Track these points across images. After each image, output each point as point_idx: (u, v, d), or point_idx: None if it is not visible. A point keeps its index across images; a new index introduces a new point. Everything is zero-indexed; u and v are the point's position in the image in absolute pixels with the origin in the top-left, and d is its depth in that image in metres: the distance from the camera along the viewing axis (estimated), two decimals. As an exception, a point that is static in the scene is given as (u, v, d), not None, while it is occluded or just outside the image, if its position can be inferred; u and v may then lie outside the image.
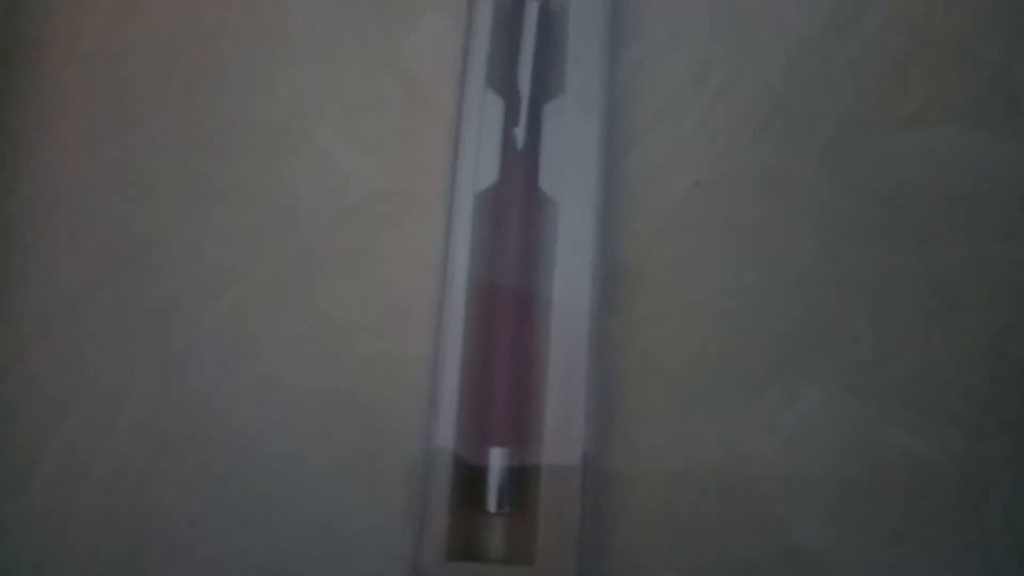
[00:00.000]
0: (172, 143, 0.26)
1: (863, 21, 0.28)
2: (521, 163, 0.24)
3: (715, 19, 0.28)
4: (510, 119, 0.25)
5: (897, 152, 0.27)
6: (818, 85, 0.28)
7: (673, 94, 0.27)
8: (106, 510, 0.23)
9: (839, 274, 0.26)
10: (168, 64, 0.27)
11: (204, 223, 0.26)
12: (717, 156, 0.27)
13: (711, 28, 0.28)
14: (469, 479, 0.21)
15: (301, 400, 0.24)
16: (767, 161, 0.27)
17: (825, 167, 0.27)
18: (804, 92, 0.27)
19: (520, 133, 0.25)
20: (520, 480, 0.22)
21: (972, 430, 0.24)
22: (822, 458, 0.24)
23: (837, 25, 0.28)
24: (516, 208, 0.24)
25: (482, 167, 0.24)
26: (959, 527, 0.23)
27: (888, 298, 0.25)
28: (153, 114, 0.27)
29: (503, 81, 0.25)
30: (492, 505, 0.21)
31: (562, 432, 0.22)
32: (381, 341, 0.24)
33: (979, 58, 0.28)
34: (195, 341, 0.25)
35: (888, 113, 0.27)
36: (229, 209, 0.26)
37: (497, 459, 0.21)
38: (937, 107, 0.27)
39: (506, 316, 0.23)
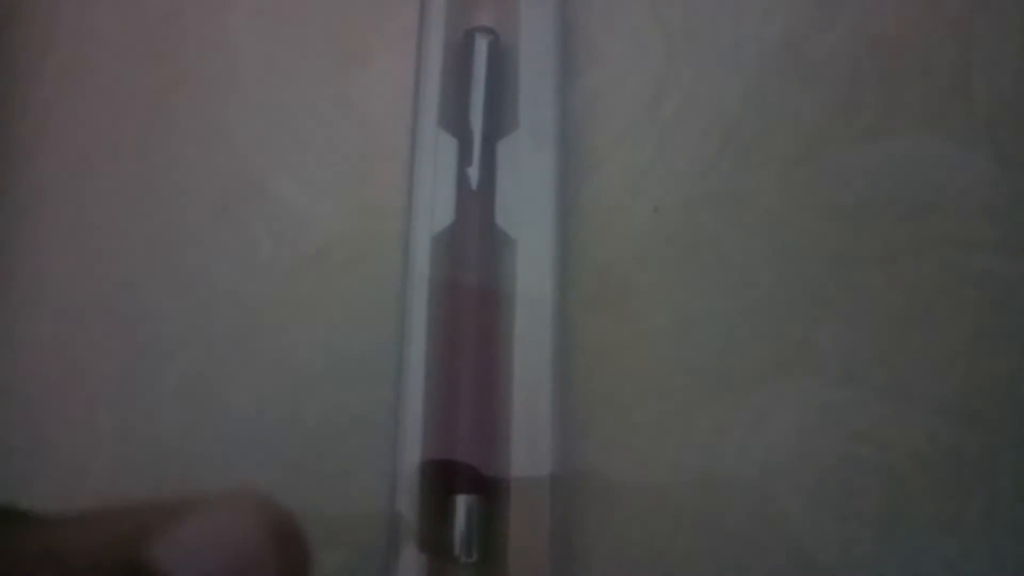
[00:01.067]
0: (126, 200, 0.26)
1: (817, 35, 0.28)
2: (477, 202, 0.24)
3: (668, 43, 0.28)
4: (463, 158, 0.25)
5: (857, 166, 0.27)
6: (774, 103, 0.28)
7: (628, 121, 0.27)
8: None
9: (805, 293, 0.25)
10: (120, 121, 0.27)
11: (160, 279, 0.25)
12: (675, 181, 0.26)
13: (664, 52, 0.28)
14: (435, 527, 0.21)
15: (265, 455, 0.24)
16: (726, 182, 0.26)
17: (785, 185, 0.27)
18: (760, 111, 0.27)
19: (474, 172, 0.24)
20: (487, 524, 0.21)
21: (946, 444, 0.24)
22: (795, 479, 0.24)
23: (792, 41, 0.28)
24: (474, 248, 0.24)
25: (438, 208, 0.24)
26: (937, 544, 0.23)
27: (856, 315, 0.25)
28: (106, 172, 0.27)
29: (456, 120, 0.25)
30: (460, 555, 0.21)
31: (528, 471, 0.21)
32: (342, 390, 0.24)
33: (936, 65, 0.28)
34: (156, 403, 0.24)
35: (846, 127, 0.27)
36: (185, 263, 0.26)
37: (463, 507, 0.21)
38: (895, 117, 0.27)
39: (468, 358, 0.23)
